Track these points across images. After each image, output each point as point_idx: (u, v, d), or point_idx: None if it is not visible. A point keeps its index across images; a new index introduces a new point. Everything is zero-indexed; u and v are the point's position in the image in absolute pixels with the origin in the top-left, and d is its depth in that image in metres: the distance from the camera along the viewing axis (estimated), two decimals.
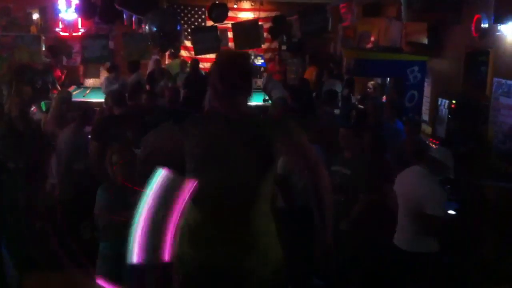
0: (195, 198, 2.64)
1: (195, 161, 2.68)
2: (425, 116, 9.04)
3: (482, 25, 7.26)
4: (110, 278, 4.18)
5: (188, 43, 12.29)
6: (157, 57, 12.03)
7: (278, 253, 2.78)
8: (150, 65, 12.45)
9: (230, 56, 2.80)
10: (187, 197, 2.54)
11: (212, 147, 2.65)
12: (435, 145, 7.14)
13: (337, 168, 5.27)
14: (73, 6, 11.50)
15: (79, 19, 12.95)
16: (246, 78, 2.73)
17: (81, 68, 12.70)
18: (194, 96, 8.50)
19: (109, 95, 7.51)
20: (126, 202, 3.99)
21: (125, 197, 4.04)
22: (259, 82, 13.04)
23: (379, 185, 5.09)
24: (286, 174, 5.48)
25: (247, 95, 2.75)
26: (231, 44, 10.56)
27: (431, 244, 4.69)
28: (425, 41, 9.08)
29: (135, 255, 2.49)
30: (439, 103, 8.54)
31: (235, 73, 2.69)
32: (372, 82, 11.05)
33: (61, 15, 12.99)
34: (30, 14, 12.18)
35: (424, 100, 9.16)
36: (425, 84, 9.10)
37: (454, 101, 7.78)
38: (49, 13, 12.24)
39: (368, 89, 10.95)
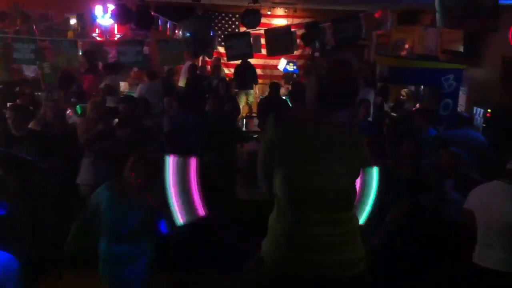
0: (296, 201, 2.69)
1: (294, 162, 2.70)
2: None
3: None
4: (113, 278, 4.23)
5: (221, 49, 12.36)
6: (190, 62, 12.19)
7: (365, 250, 2.85)
8: (184, 71, 12.62)
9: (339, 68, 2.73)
10: (195, 169, 2.85)
11: (312, 150, 2.71)
12: None
13: None
14: (110, 12, 11.70)
15: (115, 25, 13.19)
16: (353, 93, 2.75)
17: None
18: (192, 98, 8.64)
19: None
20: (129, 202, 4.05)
21: (129, 197, 4.10)
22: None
23: (413, 195, 5.03)
24: None
25: (349, 107, 2.76)
26: (263, 51, 10.57)
27: None
28: (461, 49, 8.97)
29: (178, 218, 2.88)
30: (474, 112, 8.41)
31: (343, 87, 2.68)
32: (405, 90, 10.96)
33: (98, 21, 13.25)
34: (68, 20, 12.42)
35: (459, 108, 9.03)
36: (460, 92, 8.96)
37: (489, 110, 7.65)
38: (87, 19, 12.47)
39: (401, 97, 10.86)
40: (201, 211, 2.87)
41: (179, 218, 2.90)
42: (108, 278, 4.32)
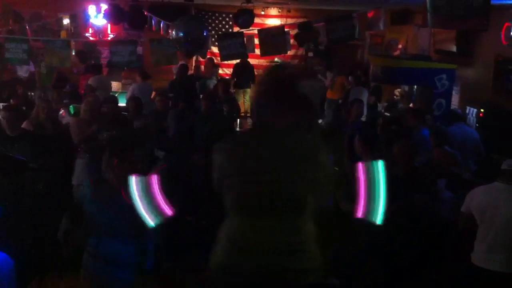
0: (242, 206, 2.68)
1: (244, 173, 2.68)
2: None
3: None
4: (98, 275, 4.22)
5: (215, 49, 12.36)
6: (183, 62, 12.16)
7: (322, 262, 2.79)
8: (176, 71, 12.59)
9: (285, 78, 2.73)
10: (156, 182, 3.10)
11: (262, 160, 2.66)
12: None
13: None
14: (103, 12, 11.68)
15: (109, 25, 13.16)
16: (304, 102, 2.69)
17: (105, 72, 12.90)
18: (180, 100, 8.62)
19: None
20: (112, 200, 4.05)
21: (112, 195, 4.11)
22: None
23: (407, 194, 5.05)
24: None
25: (303, 113, 2.72)
26: (257, 51, 10.57)
27: None
28: (454, 49, 9.00)
29: (148, 220, 3.08)
30: (467, 111, 8.44)
31: (289, 97, 2.66)
32: (398, 90, 10.98)
33: (91, 21, 13.21)
34: (61, 20, 12.39)
35: (451, 108, 9.06)
36: (453, 92, 8.99)
37: (482, 110, 7.67)
38: (80, 18, 12.44)
39: (395, 97, 10.88)
40: (168, 211, 3.05)
41: (150, 222, 3.11)
42: (93, 277, 4.30)
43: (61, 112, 8.51)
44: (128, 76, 12.82)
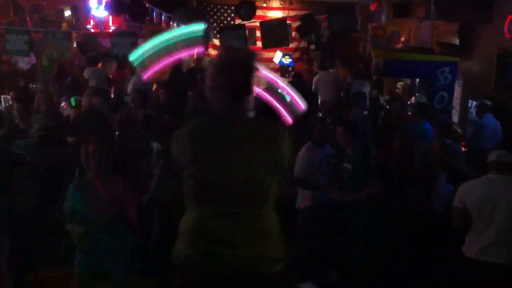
0: (202, 197, 2.65)
1: (197, 159, 2.65)
2: (455, 118, 8.89)
3: None
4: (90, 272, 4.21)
5: (216, 41, 12.32)
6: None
7: (285, 252, 2.75)
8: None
9: (232, 58, 2.68)
10: None
11: (218, 147, 2.64)
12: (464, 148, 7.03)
13: (344, 165, 5.41)
14: (104, 4, 11.64)
15: (110, 17, 13.12)
16: (248, 80, 2.66)
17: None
18: (175, 96, 8.56)
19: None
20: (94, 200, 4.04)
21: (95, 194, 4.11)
22: (286, 80, 13.06)
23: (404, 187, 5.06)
24: (307, 174, 5.59)
25: (249, 96, 2.68)
26: (259, 43, 10.53)
27: None
28: (456, 42, 8.95)
29: None
30: (469, 104, 8.40)
31: (237, 76, 2.63)
32: (400, 83, 10.94)
33: (92, 13, 13.17)
34: (62, 11, 12.35)
35: (454, 101, 9.01)
36: (455, 85, 8.94)
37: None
38: (81, 10, 12.41)
39: (396, 90, 10.84)
40: None
41: None
42: (85, 271, 4.30)
43: (62, 105, 8.51)
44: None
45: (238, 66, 2.64)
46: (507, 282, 4.50)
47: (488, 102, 7.63)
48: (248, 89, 2.67)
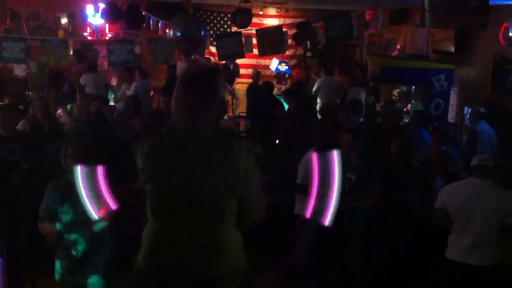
0: (158, 212, 2.67)
1: (154, 173, 2.66)
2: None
3: (510, 34, 7.15)
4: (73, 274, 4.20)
5: (213, 49, 12.35)
6: (180, 62, 12.12)
7: (243, 265, 2.74)
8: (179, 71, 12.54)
9: (193, 72, 2.70)
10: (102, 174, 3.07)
11: (173, 163, 2.64)
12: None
13: (348, 175, 5.36)
14: (101, 11, 11.65)
15: (107, 25, 13.13)
16: (209, 94, 2.66)
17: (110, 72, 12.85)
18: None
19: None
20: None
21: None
22: (283, 88, 13.09)
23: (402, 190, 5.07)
24: (304, 183, 5.59)
25: (210, 111, 2.67)
26: (255, 50, 10.56)
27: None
28: (452, 49, 8.98)
29: (92, 214, 3.06)
30: (465, 111, 8.43)
31: (198, 90, 2.64)
32: (397, 90, 10.97)
33: (89, 20, 13.17)
34: (59, 19, 12.36)
35: (450, 108, 9.05)
36: (451, 92, 8.97)
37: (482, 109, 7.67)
38: (77, 18, 12.39)
39: (393, 97, 10.87)
40: (113, 206, 3.04)
41: (93, 214, 3.09)
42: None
43: (59, 111, 8.49)
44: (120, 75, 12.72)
45: (198, 81, 2.65)
46: (486, 284, 4.60)
47: (482, 109, 7.69)
48: (207, 104, 2.66)
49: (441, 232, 4.93)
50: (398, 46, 12.58)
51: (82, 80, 10.21)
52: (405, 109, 9.96)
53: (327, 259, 5.60)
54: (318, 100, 10.74)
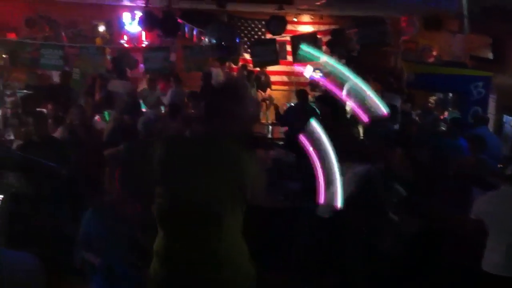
0: (161, 218, 2.70)
1: (161, 178, 2.71)
2: None
3: None
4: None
5: (247, 56, 12.40)
6: (219, 69, 12.19)
7: (251, 271, 2.76)
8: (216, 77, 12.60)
9: (220, 83, 2.81)
10: None
11: (175, 166, 2.68)
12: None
13: (396, 186, 5.21)
14: (137, 19, 11.83)
15: (143, 32, 13.32)
16: (231, 105, 2.70)
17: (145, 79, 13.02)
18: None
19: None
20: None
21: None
22: (317, 94, 13.03)
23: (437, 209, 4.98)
24: None
25: (229, 121, 2.70)
26: (289, 57, 10.56)
27: None
28: (490, 55, 8.81)
29: None
30: (504, 120, 8.27)
31: (222, 100, 2.70)
32: (433, 97, 10.81)
33: (125, 28, 13.38)
34: (97, 27, 12.60)
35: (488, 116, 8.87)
36: (489, 100, 8.80)
37: None
38: (115, 26, 12.60)
39: (429, 104, 10.71)
40: None
41: None
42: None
43: (96, 118, 8.62)
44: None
45: (223, 92, 2.72)
46: None
47: (485, 115, 7.52)
48: (230, 115, 2.68)
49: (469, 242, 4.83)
50: (434, 53, 12.41)
51: (110, 86, 10.34)
52: (441, 117, 9.80)
53: (327, 259, 5.52)
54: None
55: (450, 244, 5.09)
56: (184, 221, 2.64)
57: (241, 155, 2.67)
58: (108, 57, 11.28)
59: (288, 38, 10.18)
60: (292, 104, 10.27)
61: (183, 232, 2.65)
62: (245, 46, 12.44)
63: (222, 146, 2.69)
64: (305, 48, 4.54)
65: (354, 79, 3.93)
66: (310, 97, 11.79)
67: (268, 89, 13.01)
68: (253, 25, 14.64)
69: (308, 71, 14.05)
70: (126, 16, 13.10)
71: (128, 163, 4.44)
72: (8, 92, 10.37)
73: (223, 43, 9.06)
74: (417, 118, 10.01)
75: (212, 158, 2.65)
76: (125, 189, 4.26)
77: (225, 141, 2.70)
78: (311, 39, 10.01)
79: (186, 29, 10.92)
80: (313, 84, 14.12)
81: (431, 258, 5.03)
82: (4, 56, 11.13)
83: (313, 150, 2.85)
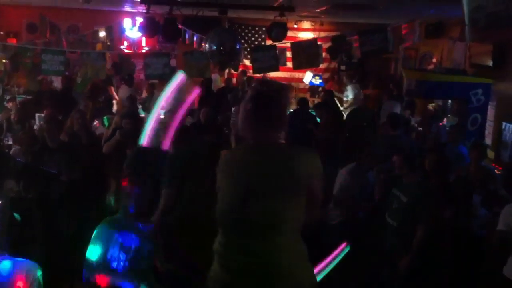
0: (223, 222, 2.70)
1: (221, 187, 2.74)
2: (488, 140, 8.73)
3: None
4: None
5: (247, 62, 12.42)
6: (217, 75, 12.21)
7: (312, 280, 2.74)
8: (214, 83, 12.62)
9: (265, 90, 2.72)
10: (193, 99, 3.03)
11: (235, 176, 2.70)
12: (498, 171, 6.89)
13: (396, 192, 5.17)
14: (138, 25, 11.86)
15: (144, 38, 13.34)
16: (280, 112, 2.71)
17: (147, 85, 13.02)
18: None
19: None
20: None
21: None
22: (316, 101, 13.06)
23: (439, 213, 4.96)
24: (341, 195, 5.57)
25: (280, 127, 2.72)
26: (289, 64, 10.57)
27: None
28: (490, 63, 8.81)
29: (144, 140, 3.18)
30: (503, 127, 8.27)
31: (270, 108, 2.68)
32: (433, 104, 10.82)
33: (126, 34, 13.42)
34: (97, 32, 12.63)
35: (487, 124, 8.87)
36: (489, 107, 8.81)
37: None
38: (115, 31, 12.64)
39: (429, 111, 10.72)
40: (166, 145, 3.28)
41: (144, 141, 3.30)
42: None
43: (95, 123, 8.63)
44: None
45: (271, 99, 2.69)
46: None
47: None
48: (278, 121, 2.71)
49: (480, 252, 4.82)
50: (434, 60, 12.43)
51: (121, 93, 10.38)
52: (440, 124, 9.81)
53: (356, 275, 5.51)
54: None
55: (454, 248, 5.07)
56: (239, 228, 2.64)
57: (297, 160, 2.67)
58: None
59: (288, 45, 10.19)
60: (291, 110, 10.28)
61: (240, 238, 2.64)
62: (245, 52, 12.47)
63: (278, 153, 2.71)
64: None
65: None
66: (310, 104, 11.82)
67: None
68: (253, 31, 14.69)
69: (307, 78, 14.09)
70: (127, 22, 13.14)
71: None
72: (7, 97, 10.38)
73: (223, 49, 9.05)
74: (416, 125, 10.05)
75: (268, 166, 2.65)
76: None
77: (281, 147, 2.73)
78: (311, 45, 10.00)
79: (187, 35, 10.94)
80: (312, 90, 14.16)
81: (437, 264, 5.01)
82: (4, 61, 11.16)
83: None
